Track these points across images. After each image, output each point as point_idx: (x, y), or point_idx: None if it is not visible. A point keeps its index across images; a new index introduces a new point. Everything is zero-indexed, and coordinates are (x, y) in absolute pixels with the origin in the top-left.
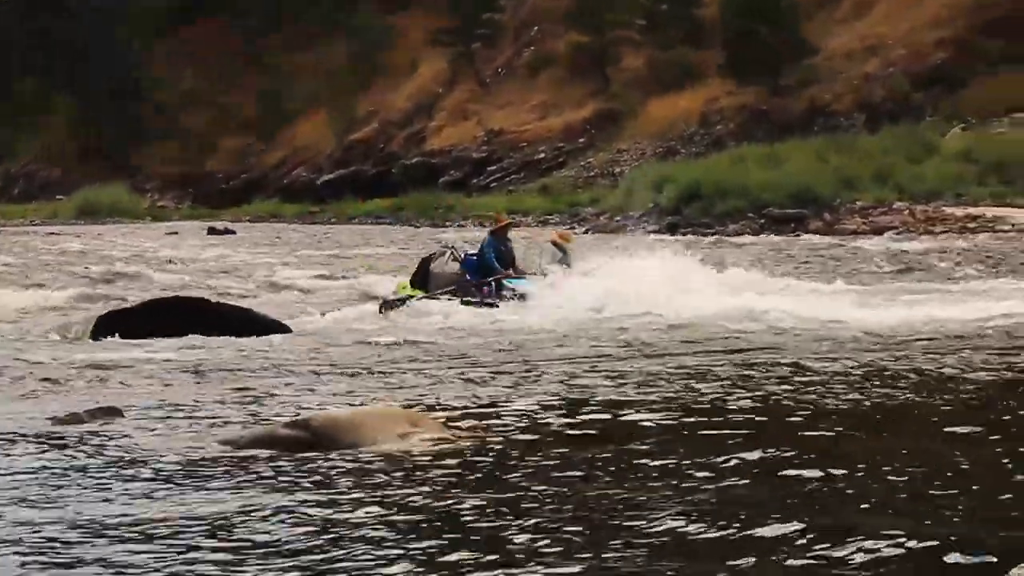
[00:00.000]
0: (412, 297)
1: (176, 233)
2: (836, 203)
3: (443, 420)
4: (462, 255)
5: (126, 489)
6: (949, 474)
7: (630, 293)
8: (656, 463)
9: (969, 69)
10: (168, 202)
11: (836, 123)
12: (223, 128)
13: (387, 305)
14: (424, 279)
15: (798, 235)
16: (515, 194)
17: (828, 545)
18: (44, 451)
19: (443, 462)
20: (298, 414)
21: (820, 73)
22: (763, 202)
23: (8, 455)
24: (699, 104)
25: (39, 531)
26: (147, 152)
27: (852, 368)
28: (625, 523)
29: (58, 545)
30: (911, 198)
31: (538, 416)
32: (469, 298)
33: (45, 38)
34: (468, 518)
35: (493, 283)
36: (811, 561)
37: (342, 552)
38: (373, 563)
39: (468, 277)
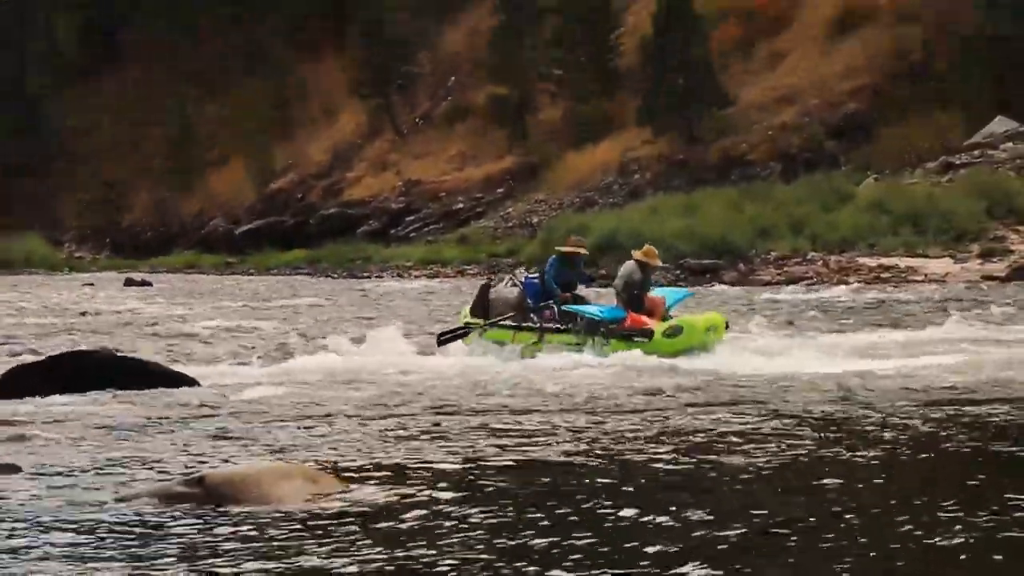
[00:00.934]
0: (470, 326)
1: (92, 284)
2: (751, 253)
3: (340, 477)
4: (522, 279)
5: (15, 546)
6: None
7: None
8: (549, 519)
9: (881, 117)
10: (85, 253)
11: (752, 172)
12: (140, 178)
13: (445, 338)
14: (484, 306)
15: (713, 285)
16: (434, 244)
17: None
18: None
19: (334, 519)
20: (196, 470)
21: (736, 123)
22: (679, 252)
23: None
24: (616, 154)
25: None
26: (63, 202)
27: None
28: None
29: None
30: (825, 248)
31: (444, 473)
32: (530, 324)
33: None
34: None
35: (555, 307)
36: None
37: None
38: None
39: (529, 302)
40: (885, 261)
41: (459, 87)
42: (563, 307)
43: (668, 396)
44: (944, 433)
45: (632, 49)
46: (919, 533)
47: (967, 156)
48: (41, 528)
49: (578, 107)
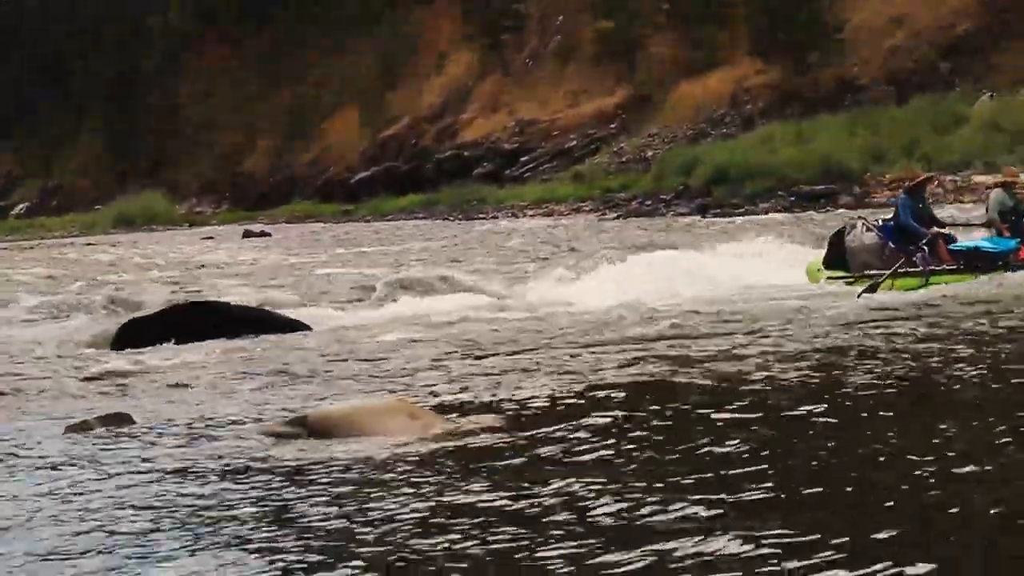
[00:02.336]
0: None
1: (212, 238)
2: (865, 177)
3: (443, 413)
4: (876, 223)
5: (128, 493)
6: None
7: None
8: (668, 452)
9: (995, 37)
10: (205, 207)
11: (865, 97)
12: (256, 132)
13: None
14: (839, 257)
15: (828, 211)
16: (548, 183)
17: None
18: (53, 458)
19: (432, 453)
20: (302, 411)
21: (847, 48)
22: (792, 180)
23: (19, 462)
24: (728, 85)
25: (46, 539)
26: (183, 159)
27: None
28: (621, 515)
29: (65, 552)
30: (940, 169)
31: (551, 406)
32: (904, 269)
33: (79, 56)
34: (443, 509)
35: (926, 247)
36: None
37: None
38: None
39: (891, 245)
40: (1002, 179)
41: (568, 24)
42: (951, 246)
43: None
44: None
45: None
46: None
47: None
48: (152, 474)
49: (688, 38)
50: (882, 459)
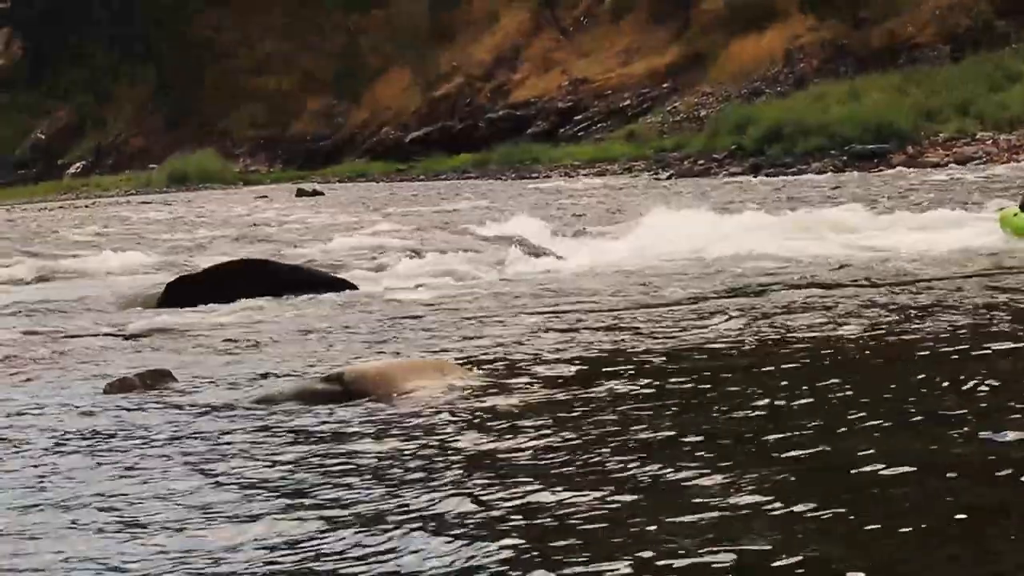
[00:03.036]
0: None
1: (265, 197)
2: (919, 136)
3: (480, 371)
4: None
5: (162, 452)
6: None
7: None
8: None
9: None
10: (259, 165)
11: (920, 55)
12: (307, 90)
13: None
14: None
15: (881, 170)
16: (602, 142)
17: None
18: (89, 417)
19: (463, 410)
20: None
21: (901, 5)
22: (845, 139)
23: (54, 421)
24: (781, 42)
25: (80, 497)
26: (233, 117)
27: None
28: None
29: (100, 513)
30: (995, 128)
31: (591, 368)
32: None
33: (118, 10)
34: (466, 459)
35: None
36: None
37: (367, 492)
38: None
39: None
40: None
41: None
42: None
43: None
44: None
45: None
46: None
47: None
48: (188, 428)
49: None
50: None
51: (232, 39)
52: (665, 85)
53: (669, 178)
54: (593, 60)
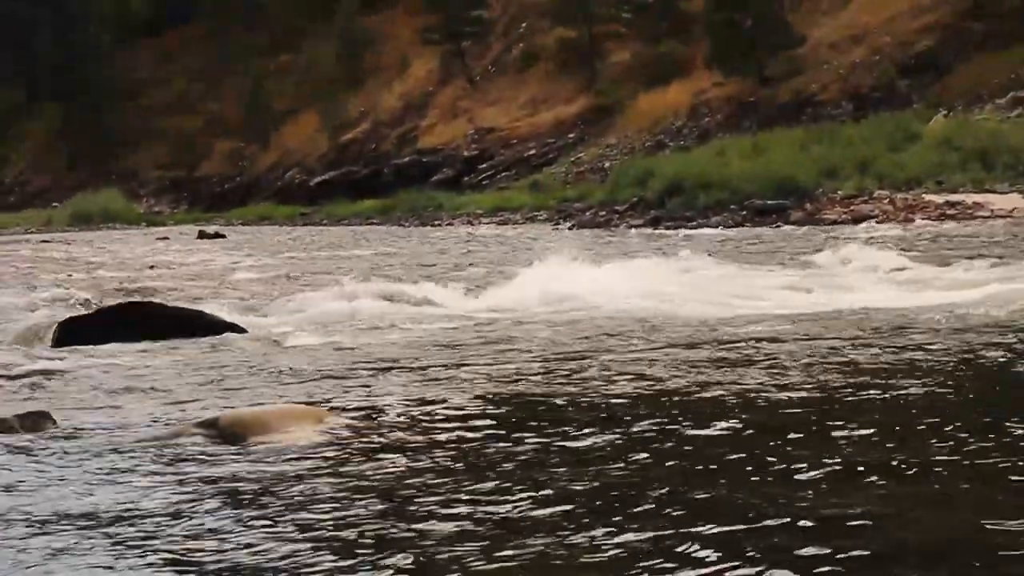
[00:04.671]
0: None
1: (167, 238)
2: (818, 193)
3: (352, 418)
4: None
5: (32, 491)
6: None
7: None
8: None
9: (954, 54)
10: (163, 207)
11: (824, 113)
12: (215, 131)
13: None
14: None
15: (779, 226)
16: (505, 191)
17: None
18: None
19: (336, 457)
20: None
21: (806, 63)
22: (745, 194)
23: None
24: (687, 97)
25: None
26: (139, 157)
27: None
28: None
29: None
30: (893, 186)
31: (468, 415)
32: None
33: (27, 46)
34: (339, 505)
35: None
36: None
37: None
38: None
39: None
40: (952, 198)
41: (529, 32)
42: None
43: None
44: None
45: None
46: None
47: None
48: (60, 473)
49: (648, 50)
50: None
51: (141, 79)
52: (571, 136)
53: (570, 228)
54: (500, 109)
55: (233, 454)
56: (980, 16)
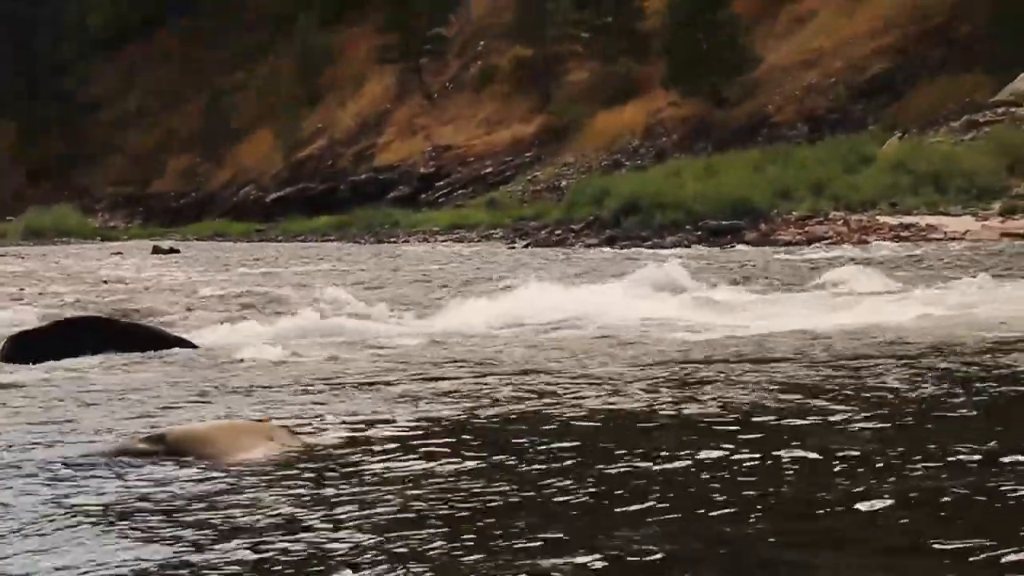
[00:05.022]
0: None
1: (121, 253)
2: (772, 214)
3: (303, 434)
4: None
5: None
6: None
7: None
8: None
9: (909, 77)
10: (118, 221)
11: (779, 134)
12: (171, 147)
13: None
14: None
15: (733, 246)
16: (461, 208)
17: None
18: None
19: (285, 473)
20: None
21: (762, 85)
22: (700, 214)
23: None
24: (643, 117)
25: None
26: (95, 172)
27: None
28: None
29: None
30: (847, 208)
31: (415, 432)
32: None
33: None
34: (292, 523)
35: None
36: None
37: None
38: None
39: None
40: (906, 220)
41: (487, 50)
42: None
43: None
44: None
45: (658, 11)
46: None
47: (991, 114)
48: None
49: (605, 69)
50: None
51: (100, 94)
52: (528, 154)
53: (525, 247)
54: (457, 127)
55: (178, 470)
56: (936, 40)
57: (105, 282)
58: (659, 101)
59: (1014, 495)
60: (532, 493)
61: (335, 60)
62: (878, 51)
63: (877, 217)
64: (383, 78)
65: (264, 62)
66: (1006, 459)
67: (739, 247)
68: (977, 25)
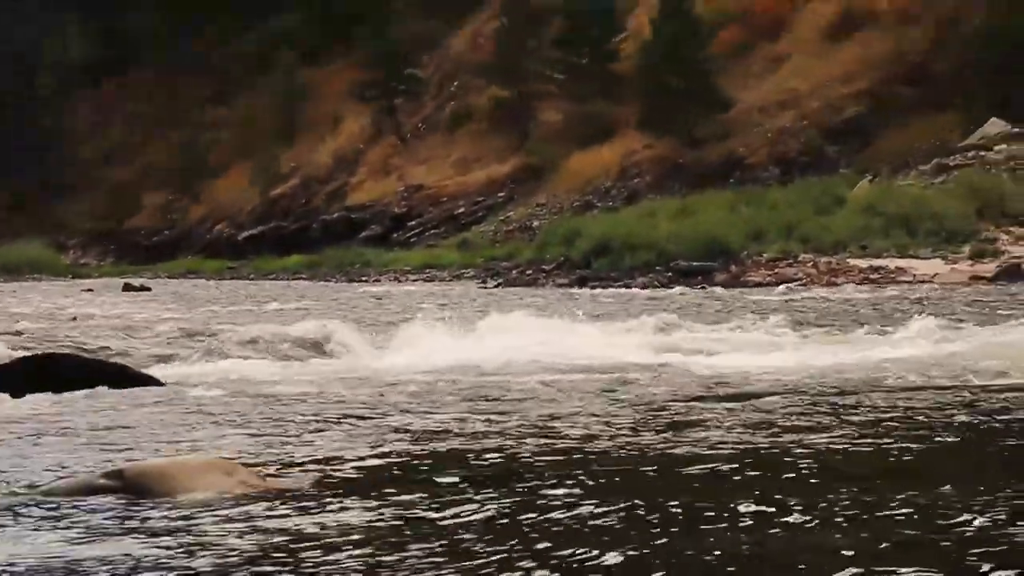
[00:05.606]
0: None
1: (92, 290)
2: (743, 255)
3: (262, 471)
4: None
5: None
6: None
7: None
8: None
9: (881, 120)
10: (90, 259)
11: (752, 176)
12: (146, 183)
13: None
14: None
15: (704, 287)
16: (434, 248)
17: None
18: None
19: (245, 510)
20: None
21: (735, 126)
22: (672, 255)
23: None
24: (617, 157)
25: None
26: (69, 208)
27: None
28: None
29: None
30: (817, 250)
31: (368, 469)
32: None
33: None
34: (241, 561)
35: None
36: None
37: None
38: None
39: None
40: (875, 262)
41: (462, 90)
42: None
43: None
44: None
45: (633, 52)
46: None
47: (961, 157)
48: None
49: (580, 110)
50: None
51: (77, 129)
52: (501, 195)
53: (496, 287)
54: (430, 167)
55: (135, 506)
56: (909, 82)
57: (74, 319)
58: (633, 142)
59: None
60: (494, 527)
61: (313, 97)
62: (852, 93)
63: (847, 260)
64: (358, 117)
65: (242, 98)
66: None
67: (709, 288)
68: (952, 66)
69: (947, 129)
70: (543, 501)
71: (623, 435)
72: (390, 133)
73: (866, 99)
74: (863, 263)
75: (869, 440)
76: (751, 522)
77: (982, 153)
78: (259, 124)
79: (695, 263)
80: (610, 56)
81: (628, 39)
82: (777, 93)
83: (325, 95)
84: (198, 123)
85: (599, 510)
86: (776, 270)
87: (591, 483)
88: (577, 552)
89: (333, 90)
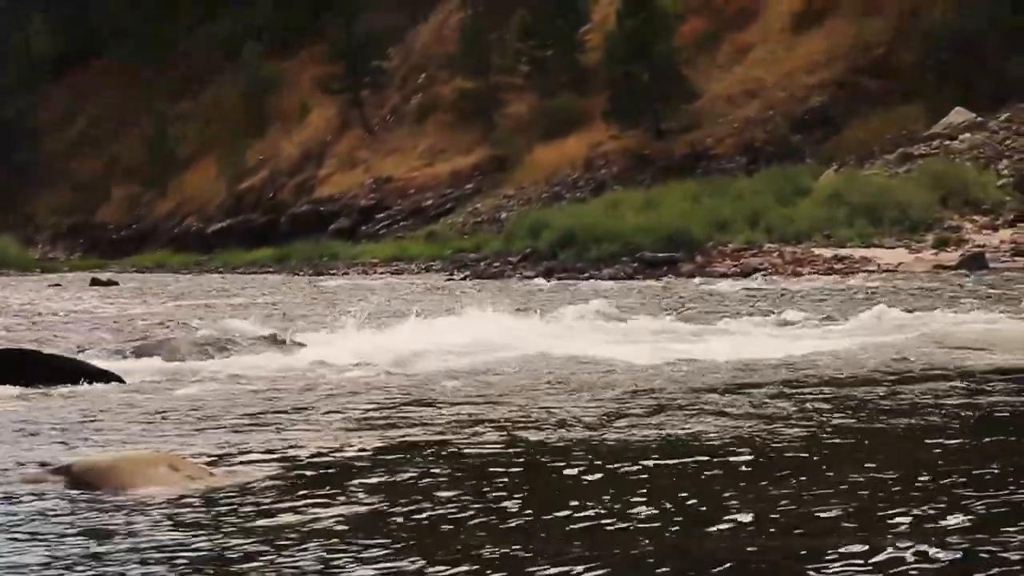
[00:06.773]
0: None
1: (59, 285)
2: (708, 246)
3: (210, 466)
4: None
5: None
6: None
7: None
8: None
9: (847, 110)
10: (59, 253)
11: (718, 166)
12: (114, 178)
13: None
14: None
15: (669, 278)
16: (401, 241)
17: None
18: None
19: (189, 505)
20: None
21: (701, 117)
22: (637, 246)
23: None
24: (584, 149)
25: None
26: (37, 202)
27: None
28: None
29: None
30: (782, 240)
31: (327, 462)
32: None
33: None
34: (183, 556)
35: None
36: None
37: None
38: None
39: None
40: (840, 252)
41: (428, 82)
42: None
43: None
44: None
45: (599, 44)
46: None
47: (925, 147)
48: None
49: (546, 102)
50: None
51: (43, 121)
52: (468, 186)
53: (463, 279)
54: (398, 159)
55: (81, 501)
56: (874, 73)
57: (39, 314)
58: (600, 134)
59: None
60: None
61: (280, 90)
62: (818, 84)
63: (812, 249)
64: (326, 109)
65: (209, 91)
66: None
67: (675, 278)
68: (916, 57)
69: (911, 119)
70: (493, 492)
71: (598, 428)
72: (357, 125)
73: (831, 89)
74: (828, 252)
75: (759, 429)
76: (654, 513)
77: (946, 142)
78: (226, 117)
79: (660, 254)
80: (576, 47)
81: (594, 31)
82: (743, 83)
83: (292, 87)
84: (165, 116)
85: (550, 506)
86: (741, 260)
87: (540, 478)
88: (529, 546)
89: (299, 82)
